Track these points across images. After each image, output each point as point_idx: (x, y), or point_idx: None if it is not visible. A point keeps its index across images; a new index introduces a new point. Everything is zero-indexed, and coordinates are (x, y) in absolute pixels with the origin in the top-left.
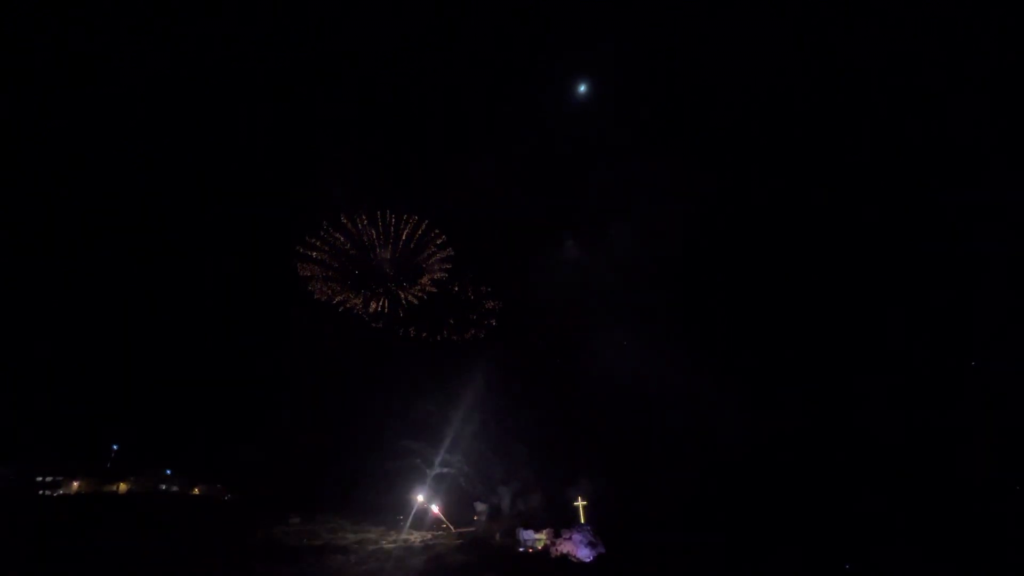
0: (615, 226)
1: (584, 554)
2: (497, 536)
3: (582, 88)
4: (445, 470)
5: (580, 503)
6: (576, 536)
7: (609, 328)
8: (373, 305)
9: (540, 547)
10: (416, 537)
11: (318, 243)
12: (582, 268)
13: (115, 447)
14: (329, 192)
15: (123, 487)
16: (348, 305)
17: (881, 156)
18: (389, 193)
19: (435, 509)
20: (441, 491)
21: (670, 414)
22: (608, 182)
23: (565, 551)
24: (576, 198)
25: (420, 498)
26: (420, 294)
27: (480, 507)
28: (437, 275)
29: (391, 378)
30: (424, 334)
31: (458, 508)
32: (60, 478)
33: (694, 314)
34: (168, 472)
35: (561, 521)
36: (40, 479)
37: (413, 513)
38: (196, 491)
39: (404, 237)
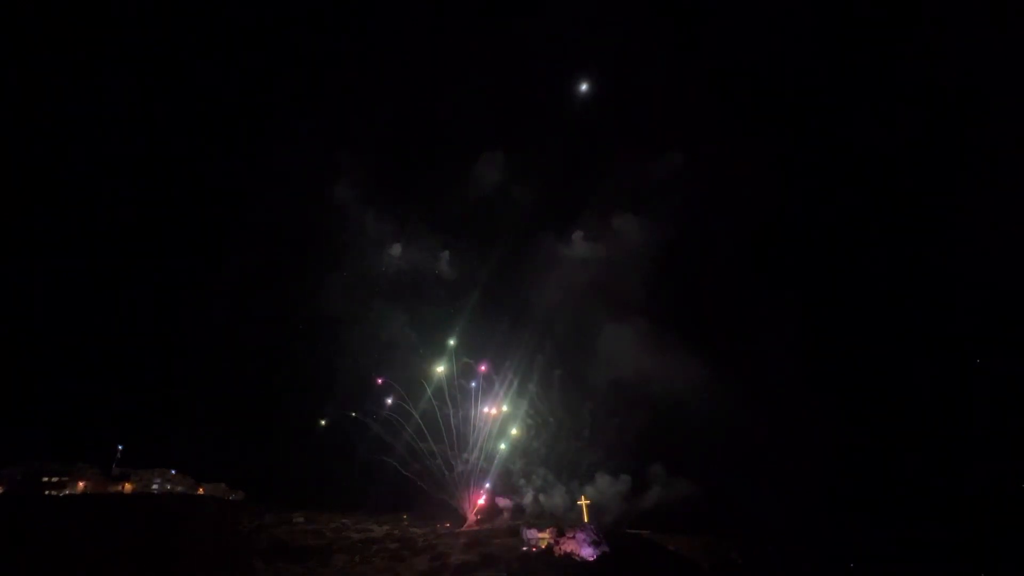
0: (626, 225)
1: (587, 553)
2: (501, 534)
3: (584, 86)
4: (462, 469)
5: (584, 502)
6: (580, 535)
7: (620, 329)
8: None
9: (544, 546)
10: (419, 535)
11: None
12: (593, 269)
13: (120, 447)
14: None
15: (128, 487)
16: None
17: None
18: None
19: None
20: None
21: (676, 415)
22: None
23: (569, 550)
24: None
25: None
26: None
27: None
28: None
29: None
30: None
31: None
32: (66, 478)
33: (696, 315)
34: (173, 472)
35: (565, 520)
36: (46, 479)
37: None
38: (201, 491)
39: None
